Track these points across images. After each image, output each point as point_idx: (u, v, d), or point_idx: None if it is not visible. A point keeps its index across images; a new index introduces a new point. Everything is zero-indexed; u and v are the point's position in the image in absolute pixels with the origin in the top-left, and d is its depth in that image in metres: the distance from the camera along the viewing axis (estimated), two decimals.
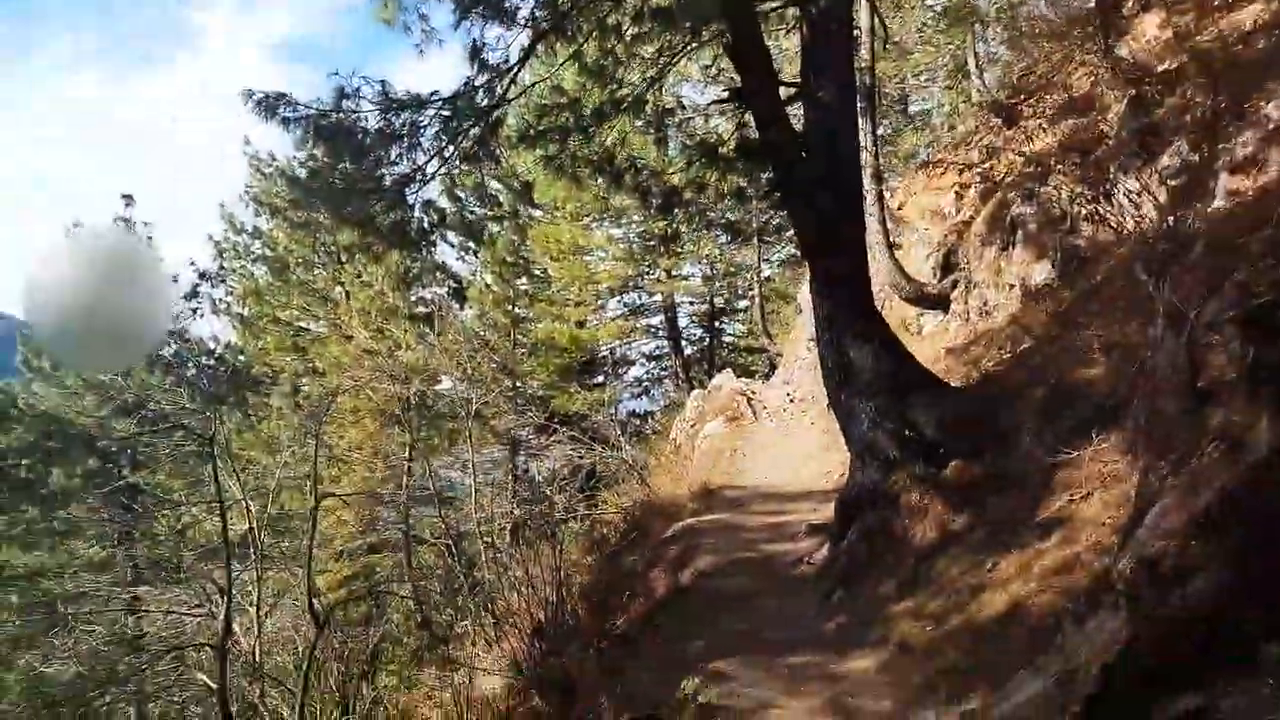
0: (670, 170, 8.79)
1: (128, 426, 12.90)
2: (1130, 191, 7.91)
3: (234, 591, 8.88)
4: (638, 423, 22.89)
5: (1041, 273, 9.26)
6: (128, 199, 20.54)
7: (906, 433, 6.63)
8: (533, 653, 7.89)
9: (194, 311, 21.17)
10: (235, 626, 8.91)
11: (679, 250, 23.91)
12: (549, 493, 14.16)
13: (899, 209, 13.85)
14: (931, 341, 10.95)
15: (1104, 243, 8.41)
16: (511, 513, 14.93)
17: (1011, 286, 9.73)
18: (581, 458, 15.61)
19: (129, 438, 13.89)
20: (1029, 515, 5.52)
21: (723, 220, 22.10)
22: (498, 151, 8.22)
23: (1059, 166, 9.38)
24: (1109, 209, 8.28)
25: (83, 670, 9.61)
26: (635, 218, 23.56)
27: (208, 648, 8.97)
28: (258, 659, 9.35)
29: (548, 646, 8.02)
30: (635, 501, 12.65)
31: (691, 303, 26.20)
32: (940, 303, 11.37)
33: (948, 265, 11.51)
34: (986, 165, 11.63)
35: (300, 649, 10.44)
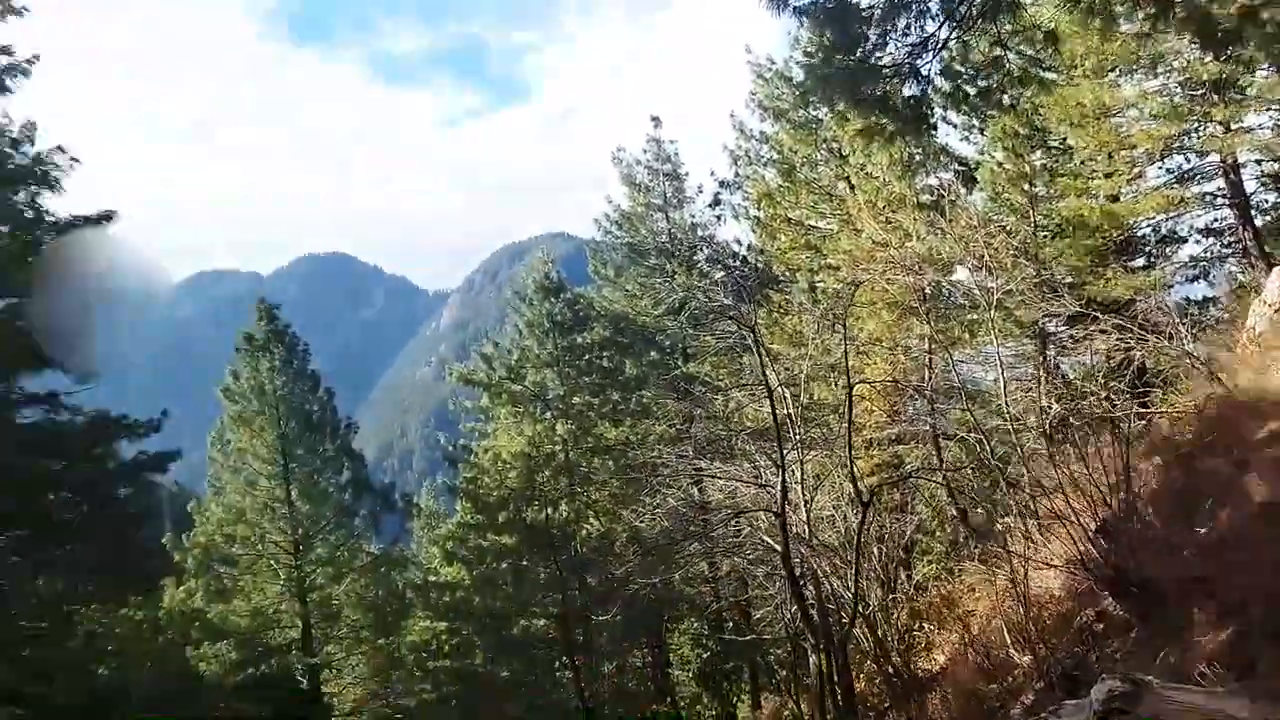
0: None
1: (679, 323, 14.75)
2: None
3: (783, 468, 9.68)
4: (1195, 310, 19.61)
5: None
6: (655, 120, 23.14)
7: None
8: (1100, 553, 7.31)
9: (718, 218, 23.43)
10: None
11: (1240, 96, 19.32)
12: (1092, 389, 12.94)
13: None
14: None
15: None
16: (1047, 410, 13.95)
17: None
18: (1128, 350, 13.88)
19: (681, 332, 15.88)
20: None
21: None
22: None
23: None
24: None
25: (667, 525, 11.44)
26: (1175, 64, 19.57)
27: (764, 513, 9.97)
28: (808, 532, 10.15)
29: (1114, 548, 7.37)
30: (1207, 399, 10.88)
31: (1260, 161, 21.20)
32: None
33: None
34: None
35: (842, 529, 11.14)
